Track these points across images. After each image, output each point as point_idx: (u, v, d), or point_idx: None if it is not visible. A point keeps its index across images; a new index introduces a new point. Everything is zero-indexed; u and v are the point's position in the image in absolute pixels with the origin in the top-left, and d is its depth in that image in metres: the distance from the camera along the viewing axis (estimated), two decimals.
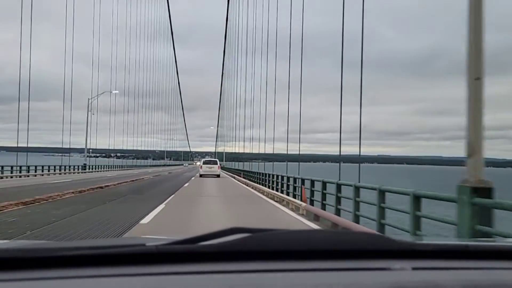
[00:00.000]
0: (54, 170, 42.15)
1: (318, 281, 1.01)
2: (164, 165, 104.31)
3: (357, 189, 10.23)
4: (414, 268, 1.10)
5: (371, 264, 1.12)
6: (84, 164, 51.03)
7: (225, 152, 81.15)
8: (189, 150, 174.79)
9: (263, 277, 1.04)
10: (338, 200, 11.61)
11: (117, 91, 56.94)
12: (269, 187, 22.40)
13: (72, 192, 17.80)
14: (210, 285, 0.99)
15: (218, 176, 38.70)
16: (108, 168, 63.45)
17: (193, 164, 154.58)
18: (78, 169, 47.87)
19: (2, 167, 33.51)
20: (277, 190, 20.11)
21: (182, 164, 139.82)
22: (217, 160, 43.63)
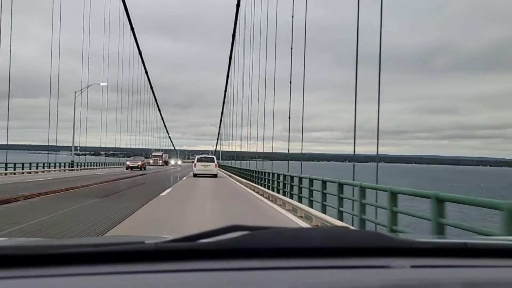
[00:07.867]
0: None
1: (317, 279, 1.01)
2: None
3: (340, 185, 10.54)
4: (412, 266, 1.10)
5: (370, 262, 1.12)
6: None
7: (223, 151, 75.49)
8: (173, 148, 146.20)
9: (262, 274, 1.04)
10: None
11: (105, 83, 51.33)
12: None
13: None
14: (209, 282, 0.99)
15: (215, 176, 34.07)
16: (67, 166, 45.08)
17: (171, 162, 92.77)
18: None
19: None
20: None
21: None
22: (214, 157, 37.43)
